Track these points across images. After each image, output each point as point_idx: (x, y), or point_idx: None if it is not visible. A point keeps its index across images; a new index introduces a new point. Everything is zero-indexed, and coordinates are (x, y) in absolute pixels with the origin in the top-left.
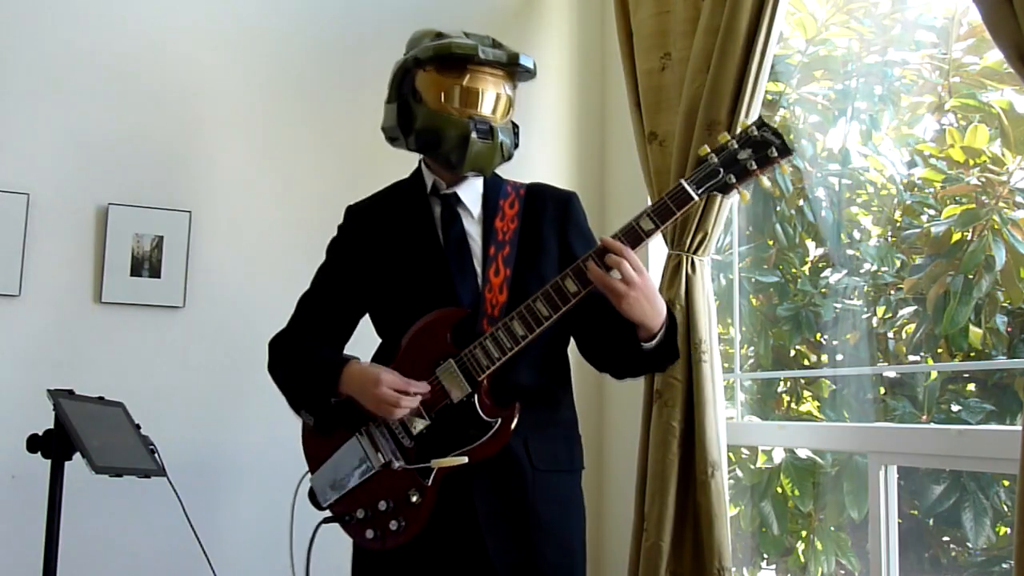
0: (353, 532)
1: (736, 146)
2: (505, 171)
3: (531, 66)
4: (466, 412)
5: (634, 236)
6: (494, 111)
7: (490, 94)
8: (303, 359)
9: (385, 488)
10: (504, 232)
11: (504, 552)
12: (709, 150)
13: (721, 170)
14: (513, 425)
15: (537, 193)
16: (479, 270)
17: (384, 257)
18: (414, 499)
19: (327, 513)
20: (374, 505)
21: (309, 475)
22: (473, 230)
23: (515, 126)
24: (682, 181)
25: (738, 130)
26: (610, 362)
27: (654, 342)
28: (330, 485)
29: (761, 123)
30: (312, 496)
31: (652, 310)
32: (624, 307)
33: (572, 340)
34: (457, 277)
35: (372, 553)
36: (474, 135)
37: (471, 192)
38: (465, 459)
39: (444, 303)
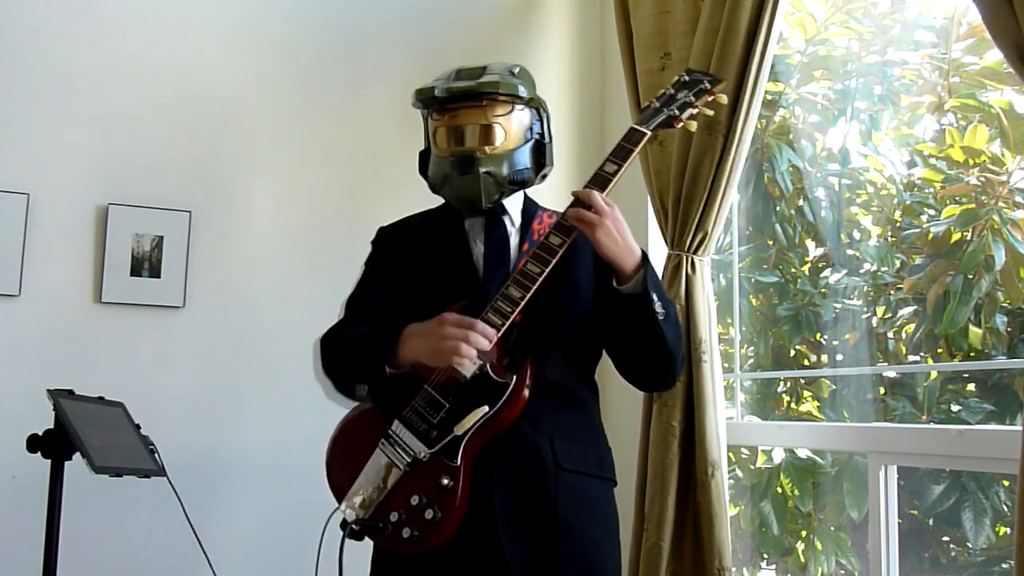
0: (389, 540)
1: (672, 90)
2: None
3: (495, 88)
4: (481, 383)
5: (601, 180)
6: (483, 142)
7: (472, 128)
8: (359, 335)
9: (415, 483)
10: (540, 234)
11: (519, 549)
12: (651, 100)
13: (664, 109)
14: (528, 381)
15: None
16: (511, 268)
17: (419, 276)
18: (445, 482)
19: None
20: (406, 503)
21: (338, 508)
22: (513, 236)
23: (539, 145)
24: (632, 125)
25: (672, 81)
26: (634, 364)
27: (631, 283)
28: (360, 505)
29: (689, 70)
30: (345, 525)
31: (625, 244)
32: (599, 237)
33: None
34: (491, 277)
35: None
36: (454, 173)
37: (513, 203)
38: (485, 407)
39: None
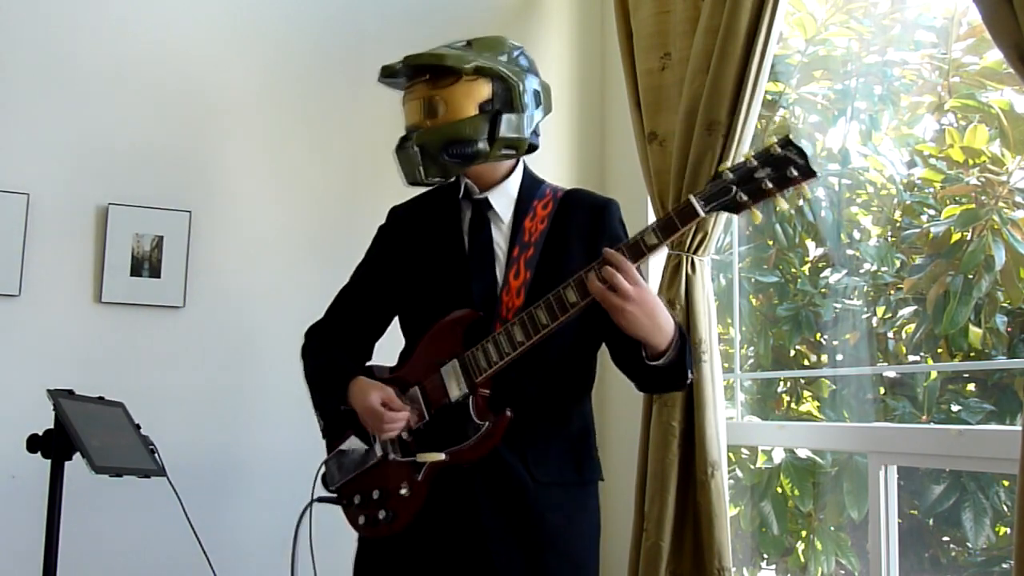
0: (349, 516)
1: (755, 163)
2: None
3: (425, 61)
4: (461, 412)
5: (636, 250)
6: (424, 117)
7: (416, 103)
8: (323, 362)
9: (381, 478)
10: (531, 233)
11: (510, 565)
12: (728, 167)
13: (734, 187)
14: (502, 431)
15: (573, 199)
16: (499, 274)
17: (412, 260)
18: (403, 492)
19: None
20: (368, 493)
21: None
22: (500, 236)
23: (496, 116)
24: (691, 197)
25: (761, 150)
26: (631, 375)
27: (662, 360)
28: (338, 469)
29: (786, 141)
30: (324, 478)
31: (653, 325)
32: (621, 322)
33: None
34: (475, 281)
35: (374, 550)
36: (397, 150)
37: (503, 197)
38: (442, 456)
39: (458, 306)
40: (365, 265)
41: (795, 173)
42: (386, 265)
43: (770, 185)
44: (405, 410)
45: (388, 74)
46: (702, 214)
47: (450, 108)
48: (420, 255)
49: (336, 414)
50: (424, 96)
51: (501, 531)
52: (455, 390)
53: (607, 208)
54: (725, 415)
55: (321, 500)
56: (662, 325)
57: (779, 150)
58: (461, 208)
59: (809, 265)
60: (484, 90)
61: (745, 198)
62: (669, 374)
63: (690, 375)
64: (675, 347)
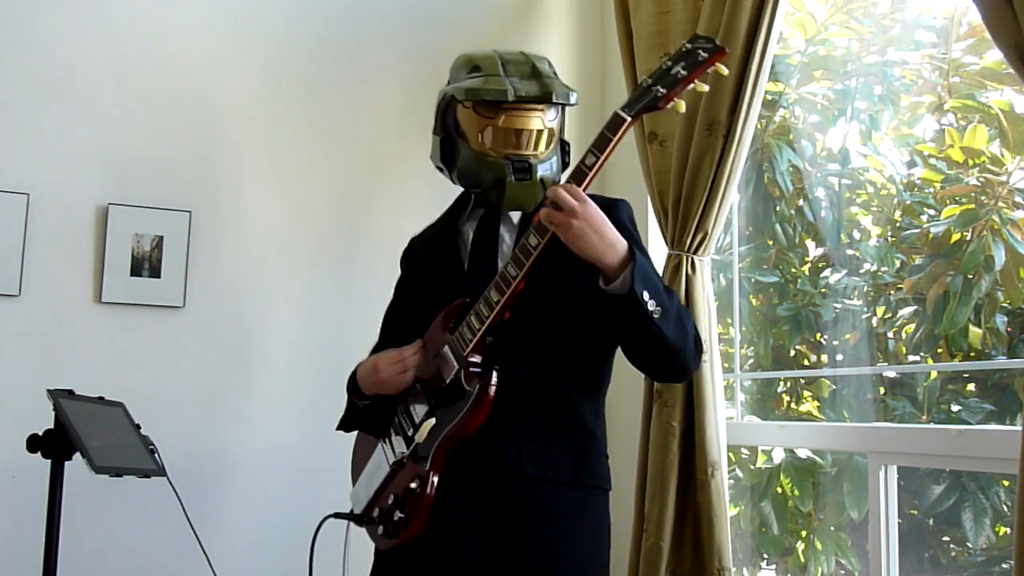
0: (371, 534)
1: (670, 63)
2: None
3: (567, 99)
4: (455, 388)
5: (577, 172)
6: (535, 147)
7: (527, 132)
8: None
9: (395, 484)
10: None
11: (473, 554)
12: (647, 76)
13: (654, 88)
14: (492, 390)
15: None
16: (501, 266)
17: (425, 275)
18: (414, 486)
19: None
20: (385, 501)
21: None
22: (507, 232)
23: (564, 144)
24: (616, 110)
25: (675, 51)
26: (638, 359)
27: (617, 283)
28: (362, 495)
29: (694, 36)
30: (353, 508)
31: (603, 242)
32: (571, 240)
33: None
34: (476, 271)
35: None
36: (511, 178)
37: None
38: (432, 420)
39: (457, 297)
40: (396, 290)
41: (704, 55)
42: (409, 288)
43: (684, 73)
44: (412, 346)
45: (532, 99)
46: (626, 117)
47: (553, 139)
48: (432, 266)
49: (355, 409)
50: (538, 127)
51: (472, 525)
52: (448, 370)
53: (615, 206)
54: (725, 415)
55: (337, 516)
56: (613, 242)
57: (688, 45)
58: (473, 214)
59: (809, 265)
60: (561, 119)
61: (663, 91)
62: (630, 307)
63: (650, 303)
64: (630, 269)
